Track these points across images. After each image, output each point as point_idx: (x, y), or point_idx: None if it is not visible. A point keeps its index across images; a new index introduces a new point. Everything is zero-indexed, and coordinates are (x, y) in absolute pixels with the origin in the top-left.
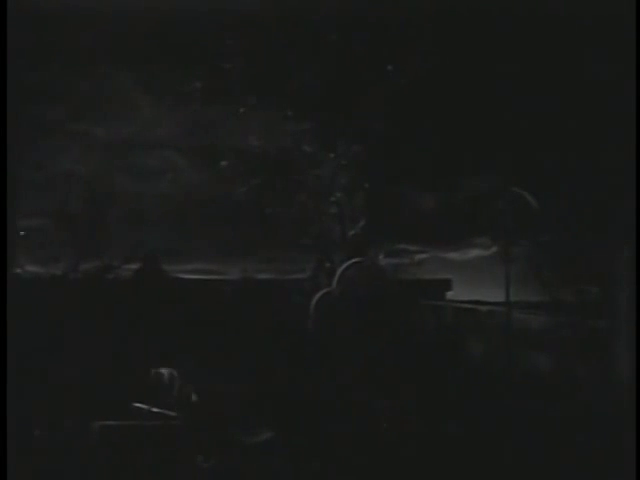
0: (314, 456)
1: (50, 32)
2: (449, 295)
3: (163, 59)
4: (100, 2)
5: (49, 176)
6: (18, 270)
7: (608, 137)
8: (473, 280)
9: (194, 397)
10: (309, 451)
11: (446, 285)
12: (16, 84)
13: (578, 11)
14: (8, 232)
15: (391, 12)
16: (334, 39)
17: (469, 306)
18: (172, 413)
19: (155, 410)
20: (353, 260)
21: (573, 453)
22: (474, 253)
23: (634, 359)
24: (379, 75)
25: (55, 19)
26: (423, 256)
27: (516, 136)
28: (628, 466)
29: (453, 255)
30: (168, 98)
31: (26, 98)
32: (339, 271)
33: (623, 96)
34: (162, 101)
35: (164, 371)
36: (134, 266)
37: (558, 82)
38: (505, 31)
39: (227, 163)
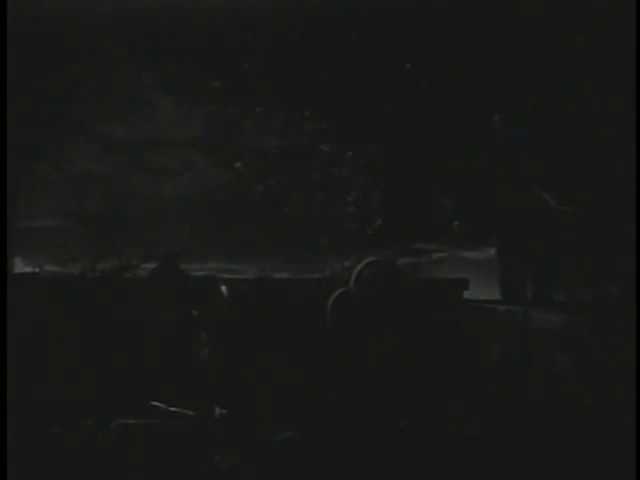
0: (331, 455)
1: (69, 33)
2: (466, 294)
3: (181, 59)
4: (118, 2)
5: (68, 176)
6: (37, 269)
7: (630, 135)
8: (491, 279)
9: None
10: (326, 450)
11: (463, 284)
12: (36, 84)
13: (591, 11)
14: (9, 232)
15: (410, 10)
16: (352, 38)
17: (487, 305)
18: (190, 412)
19: (173, 409)
20: (369, 259)
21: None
22: (492, 252)
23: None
24: (397, 74)
25: (73, 20)
26: (441, 255)
27: (536, 135)
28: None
29: (471, 254)
30: (186, 98)
31: (46, 98)
32: (356, 270)
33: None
34: (180, 101)
35: None
36: (152, 265)
37: (580, 81)
38: (525, 30)
39: (244, 163)
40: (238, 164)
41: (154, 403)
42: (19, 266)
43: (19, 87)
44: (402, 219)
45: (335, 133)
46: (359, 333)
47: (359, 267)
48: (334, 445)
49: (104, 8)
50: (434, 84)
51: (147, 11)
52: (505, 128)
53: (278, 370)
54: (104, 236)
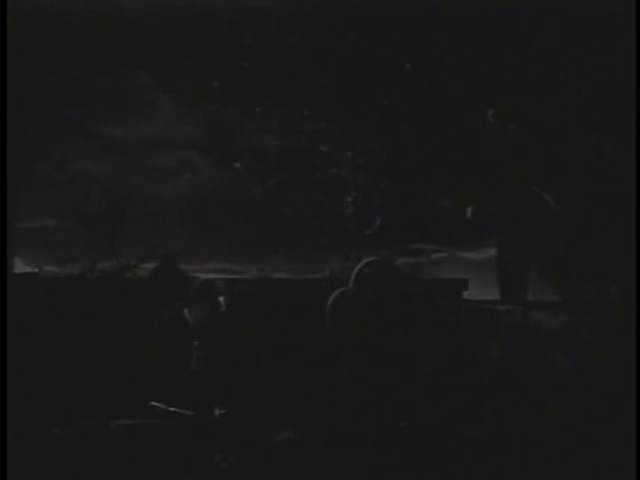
0: (331, 455)
1: (69, 32)
2: (466, 295)
3: (181, 59)
4: (118, 2)
5: (67, 176)
6: (36, 269)
7: (630, 135)
8: (491, 279)
9: None
10: (326, 450)
11: (463, 285)
12: (36, 84)
13: (591, 12)
14: (9, 232)
15: (409, 10)
16: (352, 38)
17: (486, 306)
18: (189, 412)
19: (172, 409)
20: (369, 259)
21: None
22: (492, 252)
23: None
24: (397, 74)
25: (74, 19)
26: (440, 255)
27: (535, 135)
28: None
29: (471, 254)
30: (186, 98)
31: (46, 98)
32: (355, 270)
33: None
34: (180, 101)
35: None
36: (151, 265)
37: (580, 81)
38: (525, 31)
39: (244, 163)
40: (238, 164)
41: (153, 403)
42: (19, 266)
43: (18, 87)
44: (401, 219)
45: (334, 133)
46: (358, 333)
47: (358, 267)
48: (334, 445)
49: (104, 8)
50: (434, 84)
51: (147, 11)
52: (504, 127)
53: (277, 370)
54: (104, 236)
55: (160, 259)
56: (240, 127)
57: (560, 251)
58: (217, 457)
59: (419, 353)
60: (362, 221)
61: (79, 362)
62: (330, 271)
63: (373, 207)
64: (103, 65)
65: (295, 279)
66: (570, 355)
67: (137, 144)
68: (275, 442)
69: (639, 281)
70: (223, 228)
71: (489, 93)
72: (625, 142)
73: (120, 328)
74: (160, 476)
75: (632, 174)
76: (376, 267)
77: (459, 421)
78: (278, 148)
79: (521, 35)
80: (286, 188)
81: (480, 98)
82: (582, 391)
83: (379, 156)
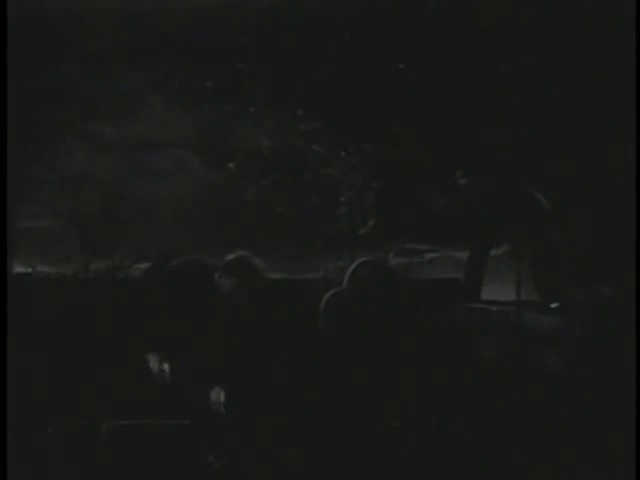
0: (325, 457)
1: (63, 32)
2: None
3: (174, 59)
4: (112, 2)
5: (61, 176)
6: (29, 270)
7: (626, 134)
8: (485, 280)
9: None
10: (320, 451)
11: (456, 285)
12: (30, 85)
13: (587, 9)
14: (8, 232)
15: (403, 10)
16: (345, 38)
17: (480, 306)
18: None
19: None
20: (362, 259)
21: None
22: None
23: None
24: (391, 74)
25: (68, 19)
26: (434, 255)
27: (530, 136)
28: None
29: (464, 254)
30: (179, 98)
31: (39, 98)
32: (348, 271)
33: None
34: (173, 101)
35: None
36: (145, 266)
37: (576, 79)
38: (519, 29)
39: (238, 163)
40: (231, 164)
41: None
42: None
43: (13, 87)
44: (395, 219)
45: (328, 133)
46: (352, 334)
47: (352, 267)
48: (327, 445)
49: (99, 7)
50: (427, 84)
51: (141, 12)
52: (500, 127)
53: (270, 370)
54: (97, 236)
55: (153, 259)
56: (233, 127)
57: (557, 251)
58: (211, 457)
59: (412, 353)
60: (356, 221)
61: (72, 362)
62: (324, 271)
63: (367, 207)
64: (97, 65)
65: (289, 279)
66: (564, 355)
67: (130, 144)
68: (270, 442)
69: (639, 281)
70: (216, 228)
71: (486, 93)
72: (625, 142)
73: (115, 328)
74: (155, 476)
75: (632, 174)
76: (369, 267)
77: (453, 422)
78: (271, 148)
79: (518, 34)
80: (279, 188)
81: (477, 97)
82: (579, 392)
83: (373, 156)
